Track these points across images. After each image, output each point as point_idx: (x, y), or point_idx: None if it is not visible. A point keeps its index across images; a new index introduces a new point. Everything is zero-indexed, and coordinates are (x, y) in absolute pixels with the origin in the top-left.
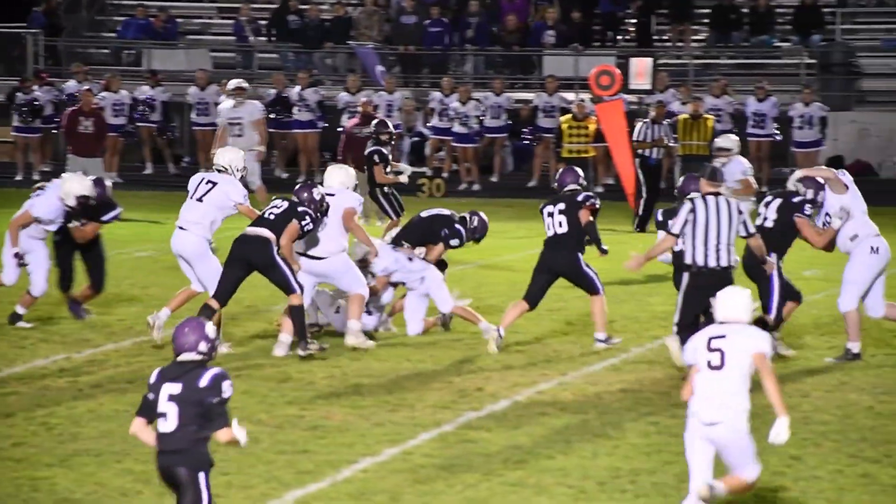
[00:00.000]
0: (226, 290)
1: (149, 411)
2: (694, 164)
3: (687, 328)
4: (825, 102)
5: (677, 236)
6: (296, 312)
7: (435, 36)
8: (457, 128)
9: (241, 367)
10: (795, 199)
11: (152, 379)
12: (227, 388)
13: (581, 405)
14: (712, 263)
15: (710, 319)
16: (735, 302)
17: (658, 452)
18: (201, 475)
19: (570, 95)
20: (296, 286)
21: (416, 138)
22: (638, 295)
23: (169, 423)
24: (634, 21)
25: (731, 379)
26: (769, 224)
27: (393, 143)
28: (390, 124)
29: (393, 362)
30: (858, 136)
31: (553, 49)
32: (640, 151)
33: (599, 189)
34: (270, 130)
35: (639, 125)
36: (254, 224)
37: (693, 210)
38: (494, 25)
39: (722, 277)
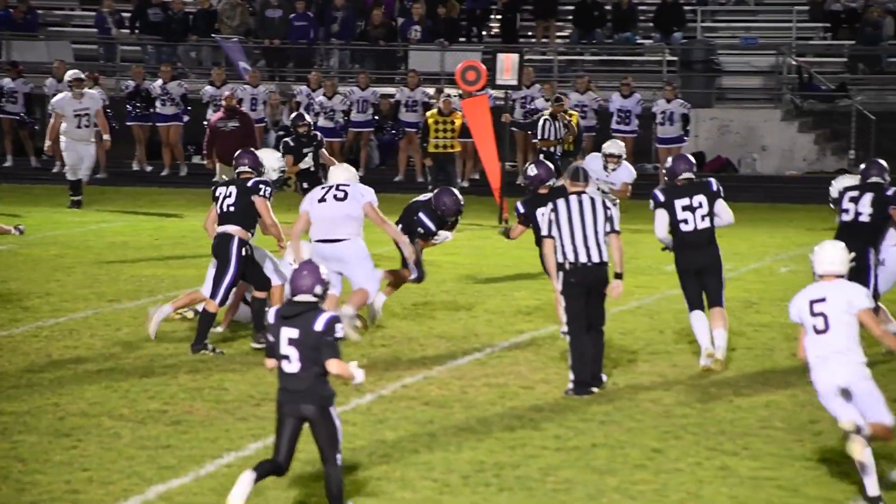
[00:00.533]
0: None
1: (273, 352)
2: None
3: (576, 320)
4: (687, 99)
5: (550, 237)
6: (205, 317)
7: (300, 30)
8: (322, 122)
9: (103, 361)
10: (889, 192)
11: (270, 319)
12: (339, 330)
13: (446, 399)
14: (583, 259)
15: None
16: (831, 255)
17: (522, 446)
18: (330, 410)
19: (433, 90)
20: (215, 294)
21: (281, 132)
22: (504, 290)
23: (293, 365)
24: (500, 17)
25: (839, 338)
26: (864, 219)
27: (311, 135)
28: (307, 117)
29: (258, 357)
30: (719, 132)
31: (419, 44)
32: (544, 149)
33: (465, 184)
34: (129, 123)
35: (541, 123)
36: (220, 222)
37: (554, 209)
38: (360, 20)
39: (596, 273)
